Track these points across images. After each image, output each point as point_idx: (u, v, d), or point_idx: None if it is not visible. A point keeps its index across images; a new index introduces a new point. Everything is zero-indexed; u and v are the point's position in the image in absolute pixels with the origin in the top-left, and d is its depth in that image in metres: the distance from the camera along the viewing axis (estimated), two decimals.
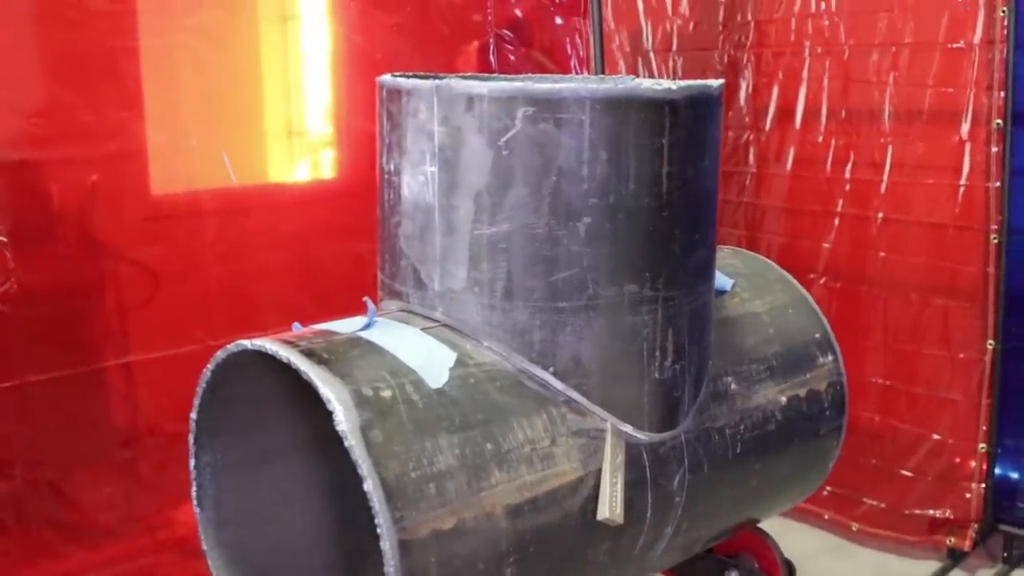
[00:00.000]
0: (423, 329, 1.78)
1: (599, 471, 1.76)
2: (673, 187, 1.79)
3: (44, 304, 2.68)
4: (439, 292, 1.82)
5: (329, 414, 1.56)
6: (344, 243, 3.31)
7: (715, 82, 1.87)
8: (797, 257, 3.66)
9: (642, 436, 1.83)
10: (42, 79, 2.76)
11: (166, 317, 2.93)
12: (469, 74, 2.21)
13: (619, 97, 1.73)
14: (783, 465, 2.15)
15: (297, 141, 3.54)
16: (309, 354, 1.63)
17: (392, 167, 1.88)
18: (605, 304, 1.77)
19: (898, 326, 3.56)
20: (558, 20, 3.84)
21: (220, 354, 1.72)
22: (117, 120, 2.87)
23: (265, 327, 2.88)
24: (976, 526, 3.40)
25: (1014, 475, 3.47)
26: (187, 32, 2.97)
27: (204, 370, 1.75)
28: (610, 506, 1.74)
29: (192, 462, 1.83)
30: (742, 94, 3.97)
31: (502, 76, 2.14)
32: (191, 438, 1.81)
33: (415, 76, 1.89)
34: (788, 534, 2.54)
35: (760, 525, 2.35)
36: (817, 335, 2.24)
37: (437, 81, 1.77)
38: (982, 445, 3.38)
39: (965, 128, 3.35)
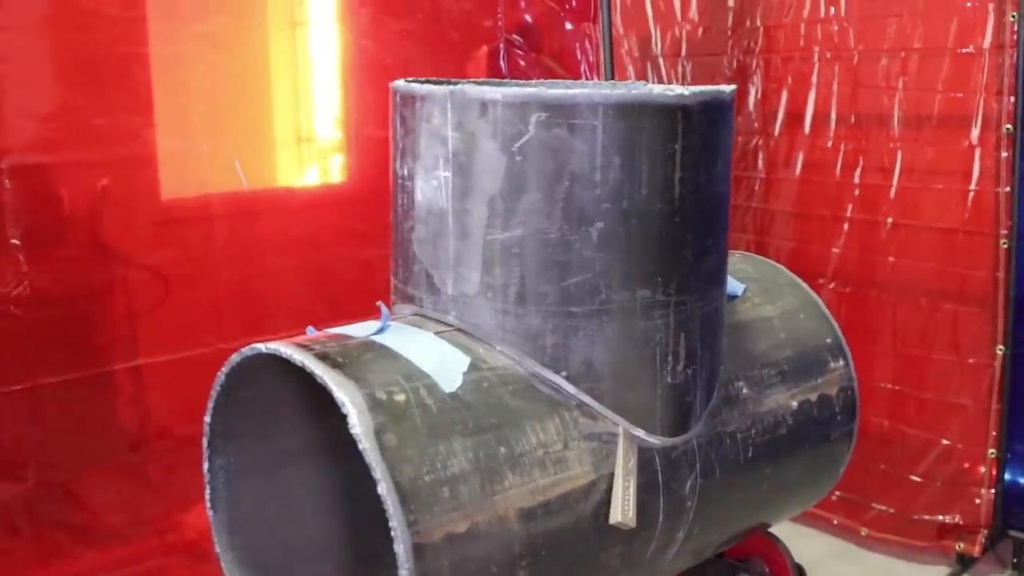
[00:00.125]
0: (436, 333, 1.79)
1: (611, 475, 1.76)
2: (686, 192, 1.79)
3: (56, 307, 2.69)
4: (452, 296, 1.83)
5: (343, 418, 1.56)
6: (353, 248, 3.32)
7: (727, 88, 1.87)
8: (806, 262, 3.66)
9: (654, 440, 1.83)
10: (55, 84, 2.78)
11: (176, 321, 2.94)
12: (482, 80, 2.22)
13: (632, 103, 1.73)
14: (794, 470, 2.15)
15: (306, 146, 3.55)
16: (323, 358, 1.64)
17: (406, 172, 1.88)
18: (617, 309, 1.78)
19: (907, 331, 3.56)
20: (568, 25, 3.85)
21: (235, 357, 1.73)
22: (128, 125, 2.89)
23: (275, 331, 2.89)
24: (985, 531, 3.39)
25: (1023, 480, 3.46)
26: (197, 38, 2.98)
27: (218, 373, 1.76)
28: (622, 510, 1.74)
29: (206, 465, 1.83)
30: (751, 99, 3.97)
31: (516, 81, 2.15)
32: (205, 441, 1.82)
33: (428, 81, 1.89)
34: (797, 539, 2.54)
35: (770, 530, 2.35)
36: (828, 340, 2.25)
37: (451, 87, 1.78)
38: (991, 450, 3.37)
39: (975, 133, 3.35)
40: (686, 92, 1.78)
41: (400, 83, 1.91)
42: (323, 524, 2.01)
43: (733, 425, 1.98)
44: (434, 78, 1.99)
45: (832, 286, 3.71)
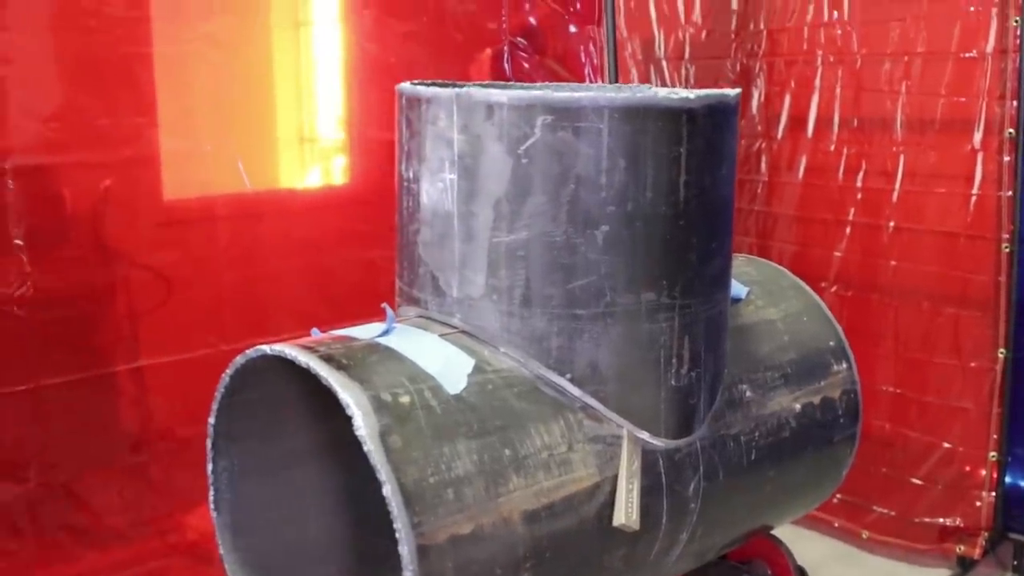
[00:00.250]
0: (441, 335, 1.79)
1: (615, 477, 1.77)
2: (690, 196, 1.80)
3: (59, 308, 2.69)
4: (457, 299, 1.83)
5: (346, 419, 1.57)
6: (356, 249, 3.32)
7: (732, 91, 1.88)
8: (808, 265, 3.66)
9: (658, 443, 1.84)
10: (59, 84, 2.78)
11: (179, 321, 2.94)
12: (488, 82, 2.22)
13: (637, 106, 1.74)
14: (797, 472, 2.15)
15: (310, 148, 3.55)
16: (328, 359, 1.64)
17: (411, 174, 1.89)
18: (622, 311, 1.78)
19: (909, 334, 3.57)
20: (572, 28, 3.85)
21: (239, 359, 1.73)
22: (132, 126, 2.89)
23: (277, 332, 2.90)
24: (986, 534, 3.39)
25: None
26: (201, 39, 2.98)
27: (223, 375, 1.76)
28: (626, 512, 1.74)
29: (210, 467, 1.83)
30: (754, 102, 3.97)
31: (521, 84, 2.16)
32: (209, 443, 1.82)
33: (434, 84, 1.90)
34: (798, 541, 2.55)
35: (772, 532, 2.35)
36: (831, 343, 2.25)
37: (457, 89, 1.78)
38: (992, 454, 3.37)
39: (977, 137, 3.36)
40: (691, 95, 1.78)
41: (406, 85, 1.92)
42: (327, 525, 2.01)
43: (737, 428, 1.98)
44: (439, 80, 1.99)
45: (834, 289, 3.71)
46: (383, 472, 1.51)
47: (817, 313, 2.29)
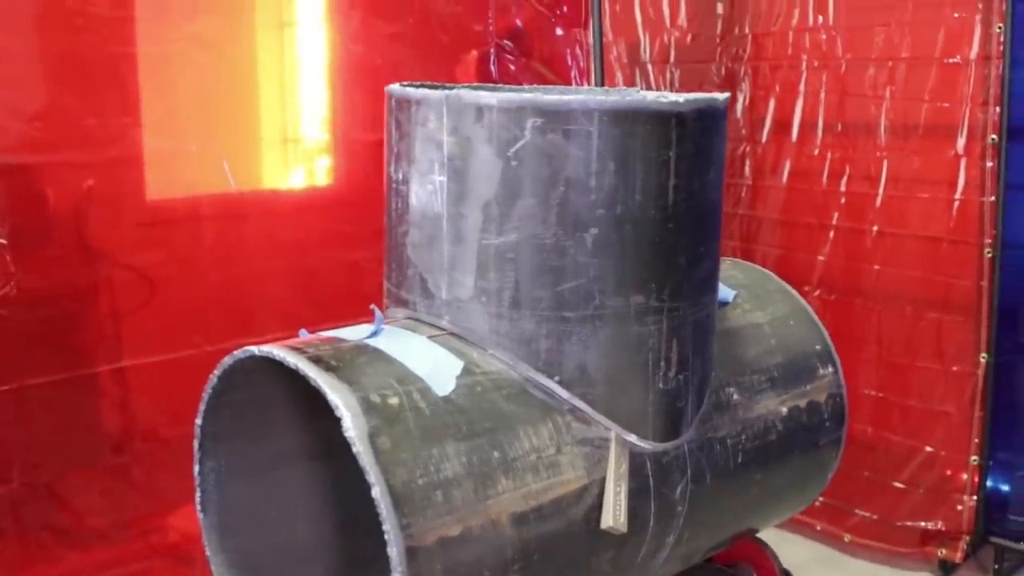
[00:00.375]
0: (430, 337, 1.79)
1: (603, 480, 1.77)
2: (679, 199, 1.80)
3: (44, 308, 2.68)
4: (446, 301, 1.83)
5: (335, 421, 1.56)
6: (340, 250, 3.32)
7: (721, 95, 1.88)
8: (792, 269, 3.69)
9: (646, 445, 1.84)
10: (43, 83, 2.77)
11: (163, 322, 2.93)
12: (478, 84, 2.22)
13: (627, 109, 1.74)
14: (783, 475, 2.16)
15: (294, 148, 3.54)
16: (317, 361, 1.64)
17: (400, 176, 1.88)
18: (611, 314, 1.78)
19: (892, 339, 3.59)
20: (558, 31, 3.85)
21: (227, 360, 1.72)
22: (116, 125, 2.88)
23: (261, 333, 2.90)
24: (967, 538, 3.42)
25: (1005, 487, 3.49)
26: (185, 39, 2.97)
27: (211, 375, 1.75)
28: (614, 515, 1.74)
29: (196, 467, 1.82)
30: (739, 106, 4.00)
31: (510, 87, 2.15)
32: (196, 443, 1.81)
33: (423, 86, 1.89)
34: (781, 545, 2.55)
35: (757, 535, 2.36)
36: (817, 346, 2.26)
37: (447, 91, 1.78)
38: (974, 457, 3.40)
39: (961, 143, 3.39)
40: (681, 99, 1.79)
41: (395, 87, 1.91)
42: (314, 527, 2.00)
43: (724, 431, 1.98)
44: (428, 82, 1.99)
45: (817, 293, 3.74)
46: (372, 474, 1.50)
47: (804, 317, 2.30)
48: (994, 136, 3.30)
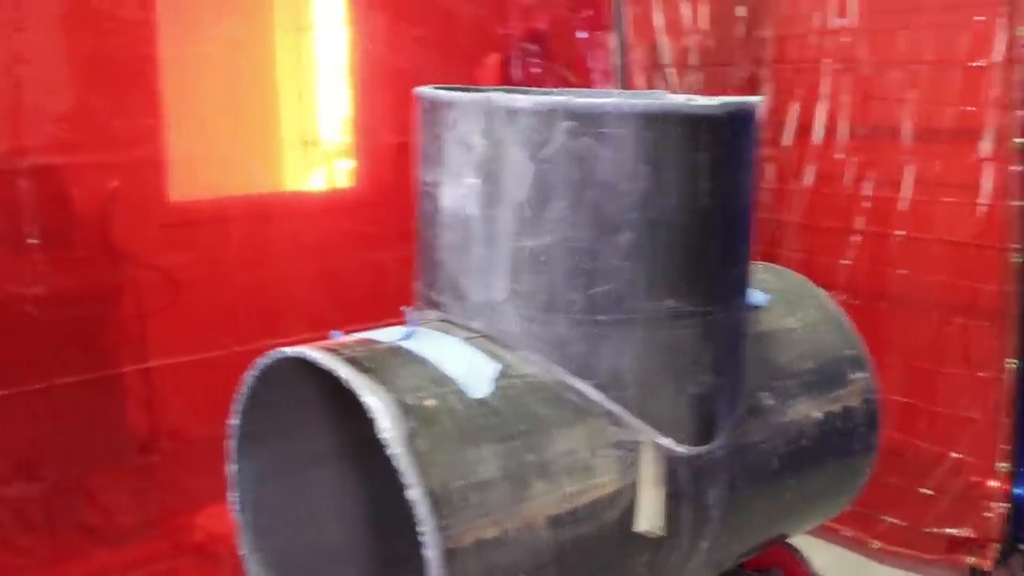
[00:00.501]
0: (463, 339, 1.79)
1: (637, 483, 1.76)
2: (711, 202, 1.79)
3: (72, 308, 2.70)
4: (478, 303, 1.82)
5: (368, 421, 1.56)
6: (364, 252, 3.33)
7: (754, 99, 1.88)
8: (816, 274, 3.61)
9: (680, 449, 1.83)
10: (71, 85, 2.78)
11: (191, 322, 2.94)
12: (508, 87, 2.22)
13: (659, 113, 1.74)
14: (817, 481, 2.15)
15: (318, 151, 3.55)
16: (352, 363, 1.64)
17: (431, 179, 1.88)
18: (644, 318, 1.77)
19: (917, 344, 3.57)
20: (579, 34, 3.86)
21: (263, 360, 1.73)
22: (142, 127, 2.89)
23: (288, 334, 2.90)
24: (997, 545, 3.39)
25: None
26: (211, 42, 2.99)
27: (246, 375, 1.75)
28: (648, 518, 1.74)
29: (233, 467, 1.83)
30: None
31: (541, 90, 2.15)
32: (232, 443, 1.81)
33: (453, 88, 1.90)
34: (808, 551, 2.54)
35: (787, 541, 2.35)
36: (850, 352, 2.25)
37: (479, 94, 1.78)
38: (1001, 464, 3.38)
39: (985, 147, 3.37)
40: (713, 103, 1.78)
41: (425, 89, 1.91)
42: (346, 527, 2.01)
43: (757, 436, 1.97)
44: (458, 85, 1.99)
45: (842, 298, 3.70)
46: (410, 476, 1.50)
47: (836, 322, 2.28)
48: (1019, 140, 3.28)
